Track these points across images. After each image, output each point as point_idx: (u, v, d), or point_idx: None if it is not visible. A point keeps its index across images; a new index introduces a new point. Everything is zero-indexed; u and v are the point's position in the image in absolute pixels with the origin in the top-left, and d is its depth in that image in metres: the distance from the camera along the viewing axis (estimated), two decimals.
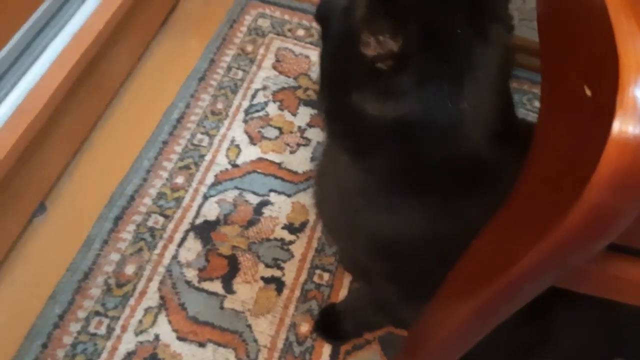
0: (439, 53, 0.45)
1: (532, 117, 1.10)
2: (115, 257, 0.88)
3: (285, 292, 0.87)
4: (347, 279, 0.89)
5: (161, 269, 0.87)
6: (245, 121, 1.04)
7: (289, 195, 0.96)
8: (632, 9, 0.32)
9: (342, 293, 0.88)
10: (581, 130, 0.33)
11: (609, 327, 0.60)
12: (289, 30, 1.17)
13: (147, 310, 0.84)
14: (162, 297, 0.85)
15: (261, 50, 1.13)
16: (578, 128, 0.33)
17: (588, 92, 0.32)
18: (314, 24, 1.17)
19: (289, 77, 1.11)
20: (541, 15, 0.44)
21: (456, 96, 0.46)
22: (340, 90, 0.50)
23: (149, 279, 0.86)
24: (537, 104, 1.12)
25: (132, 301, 0.84)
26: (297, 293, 0.87)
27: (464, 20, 0.47)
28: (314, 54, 1.14)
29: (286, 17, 1.19)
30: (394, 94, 0.46)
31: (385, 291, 0.67)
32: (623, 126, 0.29)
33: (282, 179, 0.98)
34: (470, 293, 0.49)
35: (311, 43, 1.15)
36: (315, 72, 1.11)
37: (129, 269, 0.87)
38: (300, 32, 1.17)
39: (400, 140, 0.48)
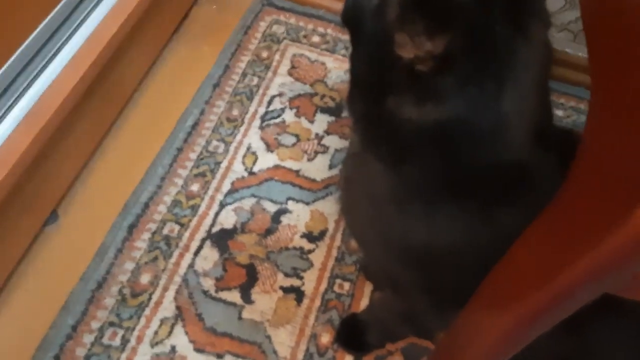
0: (481, 52, 0.43)
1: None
2: (129, 266, 0.86)
3: (305, 301, 0.84)
4: (368, 288, 0.86)
5: (177, 279, 0.85)
6: (261, 128, 1.02)
7: (307, 204, 0.94)
8: None
9: (364, 302, 0.85)
10: (633, 149, 0.31)
11: None
12: (304, 36, 1.16)
13: (163, 321, 0.81)
14: (178, 307, 0.83)
15: (276, 57, 1.12)
16: (634, 134, 0.31)
17: None
18: (329, 31, 1.16)
19: (305, 83, 1.09)
20: (586, 18, 0.42)
21: (499, 97, 0.44)
22: (374, 94, 0.48)
23: (165, 289, 0.84)
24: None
25: (147, 311, 0.82)
26: (318, 303, 0.84)
27: (503, 16, 0.45)
28: (330, 61, 1.12)
29: (301, 23, 1.17)
30: (435, 97, 0.44)
31: (414, 301, 0.65)
32: None
33: (300, 187, 0.96)
34: (513, 301, 0.47)
35: (327, 50, 1.14)
36: (331, 79, 1.10)
37: (144, 279, 0.85)
38: (316, 39, 1.15)
39: (440, 146, 0.46)
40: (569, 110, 1.09)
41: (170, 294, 0.84)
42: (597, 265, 0.34)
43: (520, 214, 0.47)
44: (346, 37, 1.16)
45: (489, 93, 0.44)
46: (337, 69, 1.11)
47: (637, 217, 0.30)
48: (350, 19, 0.55)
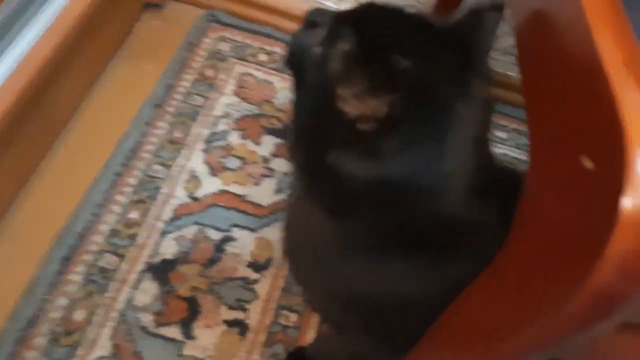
0: (423, 113, 0.42)
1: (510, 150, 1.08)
2: (63, 302, 0.81)
3: (250, 335, 0.82)
4: (315, 320, 0.84)
5: (114, 314, 0.81)
6: (205, 151, 0.99)
7: (253, 230, 0.91)
8: (634, 76, 0.29)
9: (311, 335, 0.83)
10: (581, 205, 0.30)
11: None
12: (251, 55, 1.13)
13: None
14: (115, 346, 0.79)
15: (222, 76, 1.09)
16: (577, 202, 0.30)
17: (588, 165, 0.29)
18: (278, 49, 1.13)
19: (251, 104, 1.06)
20: (525, 71, 0.41)
21: (439, 156, 0.43)
22: (316, 146, 0.47)
23: (101, 326, 0.80)
24: (500, 134, 1.11)
25: (81, 351, 0.78)
26: (263, 337, 0.82)
27: (447, 76, 0.44)
28: (278, 80, 1.10)
29: (248, 41, 1.14)
30: (376, 156, 0.43)
31: (358, 342, 0.64)
32: (634, 205, 0.26)
33: (246, 213, 0.93)
34: (458, 356, 0.46)
35: (274, 69, 1.11)
36: (279, 99, 1.07)
37: (79, 315, 0.80)
38: (263, 57, 1.13)
39: (382, 201, 0.45)
40: (511, 133, 1.09)
41: (107, 331, 0.80)
42: (543, 336, 0.33)
43: (466, 265, 0.47)
44: None
45: (431, 153, 0.44)
46: (285, 89, 1.09)
47: (581, 294, 0.28)
48: (293, 64, 0.53)
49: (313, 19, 0.52)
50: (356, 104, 0.43)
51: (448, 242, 0.48)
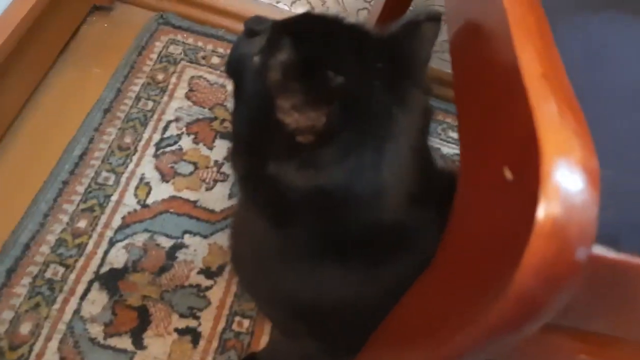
0: (361, 124, 0.43)
1: (447, 147, 1.10)
2: (8, 315, 0.78)
3: (202, 343, 0.81)
4: (268, 325, 0.84)
5: (61, 326, 0.79)
6: (156, 156, 0.97)
7: (205, 237, 0.90)
8: (551, 87, 0.30)
9: (264, 340, 0.83)
10: (503, 213, 0.31)
11: None
12: (203, 57, 1.12)
13: None
14: (62, 359, 0.77)
15: (173, 79, 1.07)
16: (500, 209, 0.31)
17: (509, 176, 0.30)
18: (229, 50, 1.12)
19: (203, 107, 1.05)
20: (457, 76, 0.42)
21: (378, 165, 0.44)
22: (256, 156, 0.47)
23: (48, 339, 0.78)
24: (451, 133, 1.13)
25: None
26: (215, 344, 0.81)
27: (384, 88, 0.45)
28: (230, 83, 1.09)
29: (200, 44, 1.13)
30: (315, 166, 0.43)
31: (306, 346, 0.64)
32: (548, 214, 0.27)
33: (198, 219, 0.92)
34: (399, 358, 0.47)
35: None
36: (231, 103, 1.07)
37: (24, 328, 0.78)
38: (215, 60, 1.12)
39: (321, 210, 0.45)
40: None
41: (54, 344, 0.77)
42: (470, 341, 0.34)
43: (403, 271, 0.47)
44: None
45: (368, 162, 0.44)
46: None
47: (503, 300, 0.29)
48: (233, 72, 0.53)
49: (252, 27, 0.52)
50: (294, 116, 0.43)
51: (388, 248, 0.49)
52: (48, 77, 1.03)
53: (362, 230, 0.47)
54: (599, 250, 0.29)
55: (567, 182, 0.27)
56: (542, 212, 0.27)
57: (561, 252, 0.27)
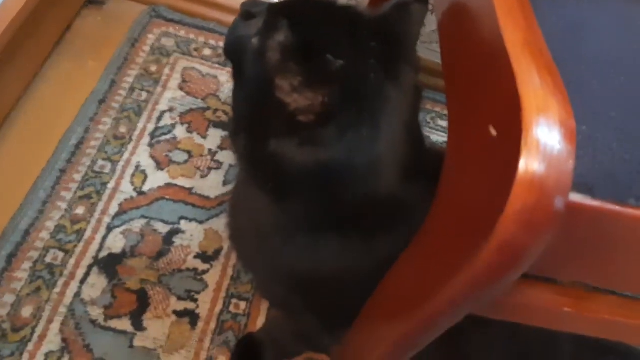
0: (357, 101, 0.46)
1: (435, 135, 1.14)
2: (9, 299, 0.80)
3: (200, 324, 0.83)
4: (264, 306, 0.87)
5: (62, 309, 0.81)
6: (151, 145, 0.99)
7: (201, 222, 0.93)
8: (531, 54, 0.33)
9: (260, 321, 0.86)
10: (488, 168, 0.33)
11: (519, 347, 0.62)
12: (195, 49, 1.14)
13: (48, 356, 0.77)
14: (64, 340, 0.79)
15: (166, 71, 1.09)
16: (485, 166, 0.34)
17: (493, 132, 0.32)
18: (222, 44, 1.15)
19: (196, 98, 1.07)
20: (445, 56, 0.44)
21: (374, 140, 0.47)
22: (257, 134, 0.49)
23: (49, 321, 0.80)
24: (440, 122, 1.16)
25: (30, 347, 0.77)
26: (213, 325, 0.84)
27: (379, 67, 0.47)
28: (223, 74, 1.11)
29: (192, 36, 1.15)
30: (315, 143, 0.46)
31: (305, 321, 0.66)
32: (528, 166, 0.30)
33: (193, 205, 0.94)
34: (391, 323, 0.49)
35: (219, 63, 1.13)
36: (224, 93, 1.09)
37: (26, 311, 0.80)
38: (207, 52, 1.14)
39: (321, 184, 0.48)
40: None
41: (55, 326, 0.79)
42: (458, 292, 0.37)
43: (396, 241, 0.50)
44: None
45: (365, 138, 0.47)
46: (230, 83, 1.10)
47: (488, 247, 0.32)
48: (232, 54, 0.55)
49: (249, 10, 0.54)
50: (294, 96, 0.46)
51: (383, 221, 0.52)
52: (44, 70, 1.04)
53: (359, 203, 0.50)
54: (576, 197, 0.32)
55: (545, 137, 0.30)
56: (523, 163, 0.30)
57: (540, 200, 0.30)
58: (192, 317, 0.84)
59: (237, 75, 0.54)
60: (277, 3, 0.53)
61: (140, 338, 0.81)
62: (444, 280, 0.37)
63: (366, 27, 0.50)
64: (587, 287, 0.41)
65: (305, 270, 0.56)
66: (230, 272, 0.89)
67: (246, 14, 0.55)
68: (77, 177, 0.93)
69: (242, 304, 0.86)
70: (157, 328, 0.82)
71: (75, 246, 0.86)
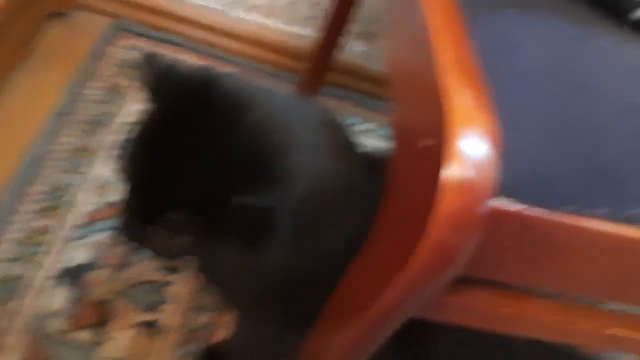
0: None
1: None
2: None
3: (163, 336, 0.84)
4: (228, 317, 0.87)
5: (24, 321, 0.80)
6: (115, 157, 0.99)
7: None
8: (460, 69, 0.35)
9: (223, 333, 0.86)
10: (423, 175, 0.36)
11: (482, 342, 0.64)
12: None
13: None
14: (24, 353, 0.78)
15: (131, 84, 1.10)
16: (420, 172, 0.36)
17: (427, 142, 0.35)
18: (187, 57, 1.16)
19: None
20: (390, 77, 0.47)
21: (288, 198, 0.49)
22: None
23: (9, 333, 0.79)
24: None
25: None
26: (176, 337, 0.84)
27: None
28: None
29: (157, 50, 1.16)
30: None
31: (268, 330, 0.68)
32: (455, 172, 0.32)
33: None
34: (342, 327, 0.51)
35: None
36: None
37: None
38: None
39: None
40: None
41: (14, 339, 0.79)
42: (398, 294, 0.39)
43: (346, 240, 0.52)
44: (202, 63, 1.17)
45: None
46: None
47: (421, 249, 0.34)
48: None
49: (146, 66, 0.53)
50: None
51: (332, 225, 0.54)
52: (6, 83, 1.04)
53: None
54: (502, 202, 0.34)
55: (470, 145, 0.32)
56: (450, 170, 0.32)
57: (467, 204, 0.32)
58: (155, 328, 0.84)
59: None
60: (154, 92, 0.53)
61: (102, 350, 0.81)
62: (386, 281, 0.39)
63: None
64: (525, 288, 0.44)
65: (272, 282, 0.58)
66: (194, 284, 0.89)
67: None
68: (41, 188, 0.93)
69: (205, 316, 0.87)
70: (120, 340, 0.82)
71: (39, 258, 0.86)
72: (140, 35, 1.17)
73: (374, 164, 0.57)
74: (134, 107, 1.07)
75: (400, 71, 0.46)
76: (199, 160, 0.47)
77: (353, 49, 1.19)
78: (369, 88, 1.23)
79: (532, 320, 0.44)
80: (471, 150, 0.32)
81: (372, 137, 1.19)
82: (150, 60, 0.51)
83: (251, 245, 0.51)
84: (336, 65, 1.10)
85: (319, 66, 1.04)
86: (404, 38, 0.46)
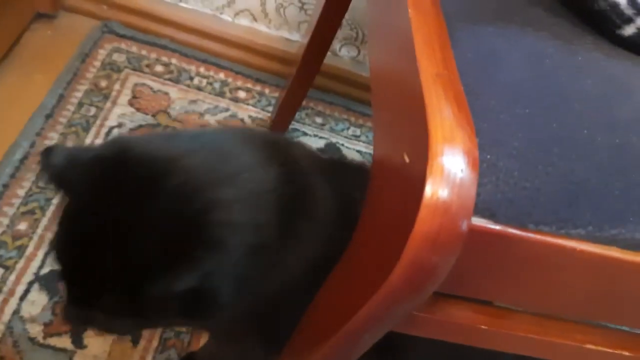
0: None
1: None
2: None
3: (142, 342, 0.83)
4: None
5: (0, 327, 0.79)
6: None
7: None
8: (442, 86, 0.35)
9: (203, 339, 0.86)
10: (402, 192, 0.36)
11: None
12: (147, 65, 1.14)
13: None
14: (1, 358, 0.77)
15: (116, 86, 1.09)
16: (399, 189, 0.36)
17: (406, 159, 0.35)
18: (174, 60, 1.16)
19: (146, 114, 1.07)
20: (373, 84, 0.47)
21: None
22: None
23: None
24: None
25: None
26: (155, 343, 0.83)
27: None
28: (174, 91, 1.12)
29: (143, 52, 1.15)
30: None
31: (247, 346, 0.68)
32: (434, 191, 0.32)
33: None
34: (319, 341, 0.51)
35: (170, 79, 1.13)
36: (175, 109, 1.09)
37: None
38: (159, 68, 1.14)
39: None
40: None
41: None
42: (376, 309, 0.39)
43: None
44: (190, 67, 1.16)
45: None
46: (181, 99, 1.11)
47: (399, 266, 0.34)
48: None
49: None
50: None
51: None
52: None
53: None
54: (479, 221, 0.34)
55: (450, 164, 0.32)
56: (429, 189, 0.32)
57: (445, 223, 0.32)
58: (134, 335, 0.83)
59: None
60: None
61: (80, 356, 0.80)
62: (363, 297, 0.38)
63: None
64: (501, 305, 0.44)
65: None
66: None
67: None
68: (21, 192, 0.92)
69: None
70: (98, 345, 0.81)
71: (16, 262, 0.85)
72: (126, 37, 1.16)
73: (340, 173, 0.57)
74: (118, 109, 1.06)
75: (383, 81, 0.45)
76: (121, 242, 0.45)
77: (342, 54, 1.19)
78: (357, 94, 1.23)
79: (511, 336, 0.44)
80: (451, 169, 0.32)
81: (359, 143, 1.19)
82: (48, 154, 0.48)
83: (193, 318, 0.49)
84: (324, 70, 1.10)
85: (307, 71, 1.04)
86: (388, 48, 0.46)
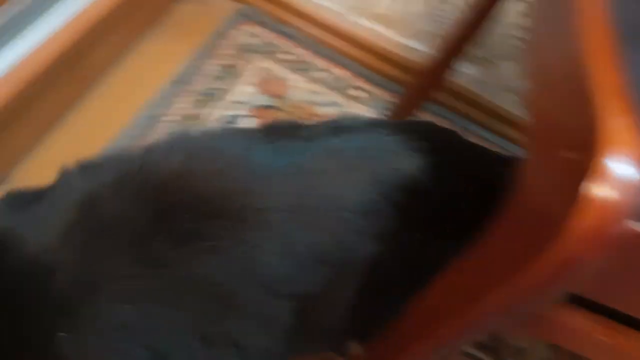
0: None
1: None
2: None
3: None
4: None
5: None
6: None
7: None
8: (615, 94, 0.36)
9: None
10: (558, 185, 0.37)
11: None
12: (275, 52, 1.20)
13: None
14: None
15: (245, 67, 1.16)
16: (556, 183, 0.37)
17: (569, 155, 0.36)
18: (300, 50, 1.21)
19: (269, 96, 1.13)
20: (532, 94, 0.48)
21: None
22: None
23: None
24: None
25: None
26: None
27: None
28: (295, 79, 1.17)
29: (274, 40, 1.22)
30: None
31: None
32: (594, 187, 0.33)
33: None
34: (432, 327, 0.52)
35: (294, 68, 1.19)
36: (294, 97, 1.15)
37: None
38: (285, 57, 1.20)
39: None
40: None
41: None
42: (511, 296, 0.40)
43: None
44: (314, 59, 1.21)
45: None
46: (300, 89, 1.16)
47: (547, 257, 0.35)
48: None
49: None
50: None
51: None
52: (135, 46, 1.12)
53: None
54: (637, 226, 0.35)
55: (616, 165, 0.33)
56: (591, 185, 0.33)
57: (604, 221, 0.33)
58: None
59: None
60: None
61: None
62: (497, 283, 0.40)
63: None
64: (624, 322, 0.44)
65: None
66: None
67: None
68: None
69: None
70: None
71: None
72: (261, 24, 1.23)
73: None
74: (245, 88, 1.13)
75: (544, 82, 0.47)
76: None
77: (466, 73, 1.19)
78: (475, 114, 1.23)
79: (628, 356, 0.44)
80: (617, 171, 0.33)
81: None
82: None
83: None
84: (447, 86, 1.11)
85: (428, 83, 1.06)
86: (552, 52, 0.47)
